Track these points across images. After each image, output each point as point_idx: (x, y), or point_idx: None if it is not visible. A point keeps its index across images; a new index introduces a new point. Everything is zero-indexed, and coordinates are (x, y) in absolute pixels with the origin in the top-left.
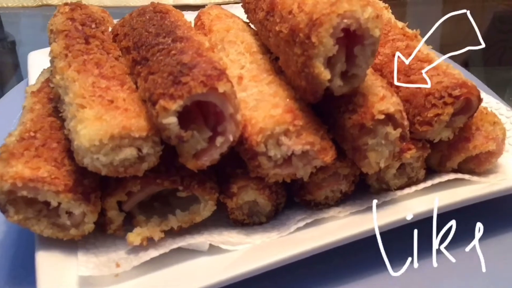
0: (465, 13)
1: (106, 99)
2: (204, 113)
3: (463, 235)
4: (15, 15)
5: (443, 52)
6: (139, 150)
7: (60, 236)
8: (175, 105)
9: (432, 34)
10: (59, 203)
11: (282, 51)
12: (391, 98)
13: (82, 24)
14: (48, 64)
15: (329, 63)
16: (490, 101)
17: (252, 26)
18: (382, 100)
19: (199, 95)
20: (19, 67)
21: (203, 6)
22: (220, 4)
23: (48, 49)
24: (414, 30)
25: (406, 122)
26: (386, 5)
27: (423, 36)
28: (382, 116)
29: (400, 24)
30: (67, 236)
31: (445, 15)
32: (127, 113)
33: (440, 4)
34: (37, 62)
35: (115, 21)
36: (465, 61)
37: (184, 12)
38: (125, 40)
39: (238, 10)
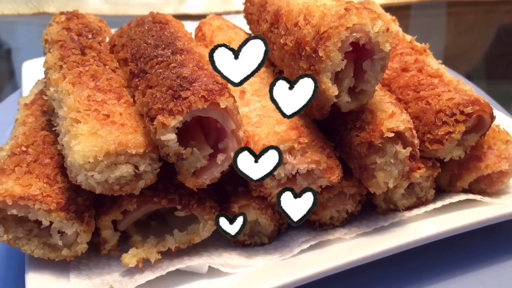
0: (470, 26)
1: (101, 114)
2: (205, 129)
3: (475, 258)
4: (11, 23)
5: (447, 64)
6: (136, 167)
7: (52, 257)
8: (174, 121)
9: (436, 46)
10: (51, 222)
11: (286, 64)
12: (400, 115)
13: (78, 34)
14: (43, 74)
15: (337, 78)
16: (501, 118)
17: None
18: (391, 117)
19: (200, 111)
20: (14, 75)
21: (203, 15)
22: (221, 14)
23: (43, 59)
24: (423, 44)
25: (416, 141)
26: (394, 17)
27: (431, 50)
28: (391, 134)
29: (408, 37)
30: (59, 257)
31: (449, 28)
32: (123, 128)
33: (444, 16)
34: (32, 71)
35: (112, 30)
36: (469, 74)
37: (184, 22)
38: (123, 51)
39: (240, 20)
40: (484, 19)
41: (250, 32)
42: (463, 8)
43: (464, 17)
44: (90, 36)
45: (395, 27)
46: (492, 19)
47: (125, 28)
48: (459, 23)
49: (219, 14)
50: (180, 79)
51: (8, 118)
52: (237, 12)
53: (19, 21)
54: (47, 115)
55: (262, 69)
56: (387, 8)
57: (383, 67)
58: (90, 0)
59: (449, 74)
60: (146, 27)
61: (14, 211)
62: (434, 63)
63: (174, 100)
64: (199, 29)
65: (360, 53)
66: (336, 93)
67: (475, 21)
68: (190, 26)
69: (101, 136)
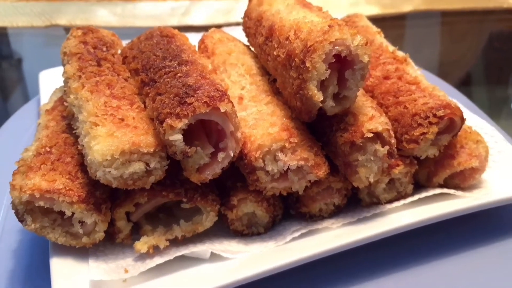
0: (463, 34)
1: (117, 118)
2: (207, 130)
3: (449, 245)
4: (22, 34)
5: (441, 70)
6: (147, 164)
7: (73, 244)
8: (181, 124)
9: (431, 53)
10: (73, 213)
11: (279, 73)
12: (379, 118)
13: (94, 47)
14: (58, 83)
15: (322, 85)
16: (476, 120)
17: (252, 48)
18: (371, 119)
19: (203, 115)
20: (25, 84)
21: (206, 26)
22: (223, 25)
23: (57, 68)
24: (404, 54)
25: (393, 140)
26: (379, 29)
27: (415, 58)
28: (371, 135)
29: (391, 48)
30: (79, 244)
31: (443, 36)
32: (136, 130)
33: (438, 25)
34: (48, 80)
35: (123, 42)
36: (462, 80)
37: (188, 33)
38: (134, 62)
39: (240, 31)
40: (476, 27)
41: (248, 44)
42: (456, 18)
43: (457, 26)
44: (104, 49)
45: (380, 38)
46: (484, 27)
47: (136, 41)
48: (453, 31)
49: (220, 26)
50: (186, 87)
51: (26, 123)
52: (238, 24)
53: (30, 32)
54: (66, 120)
55: (258, 78)
56: (383, 19)
57: (363, 76)
58: (99, 13)
59: (425, 81)
60: (155, 41)
61: (41, 203)
62: (413, 72)
63: (180, 106)
64: (201, 41)
65: (343, 64)
66: (322, 98)
67: (468, 29)
68: (194, 38)
69: (117, 137)
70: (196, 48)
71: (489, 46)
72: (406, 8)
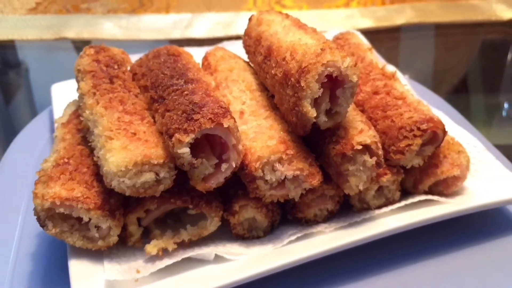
0: (457, 42)
1: (129, 132)
2: (212, 143)
3: (433, 247)
4: (29, 44)
5: (435, 79)
6: (157, 174)
7: (89, 247)
8: (188, 138)
9: (425, 61)
10: (90, 219)
11: (277, 91)
12: (368, 131)
13: (106, 65)
14: (69, 95)
15: (316, 103)
16: (460, 131)
17: (252, 64)
18: (361, 133)
19: (208, 130)
20: (32, 93)
21: (207, 39)
22: (223, 38)
23: (68, 82)
24: (399, 63)
25: (380, 152)
26: (370, 46)
27: (409, 68)
28: (360, 147)
29: (380, 64)
30: (95, 247)
31: (437, 46)
32: (147, 143)
33: (431, 36)
34: (59, 93)
35: (130, 56)
36: (456, 88)
37: (190, 48)
38: (143, 79)
39: (240, 46)
40: (468, 38)
41: (248, 60)
42: (448, 29)
43: (449, 37)
44: (116, 66)
45: (370, 55)
46: (475, 38)
47: (144, 59)
48: (445, 42)
49: (221, 38)
50: (192, 105)
51: (39, 133)
52: (238, 37)
53: (38, 43)
54: (81, 133)
55: (258, 93)
56: (377, 31)
57: (352, 94)
58: (104, 26)
59: (411, 96)
60: (162, 59)
61: (61, 210)
62: (400, 87)
63: (188, 122)
64: (205, 58)
65: (334, 83)
66: (315, 114)
67: (460, 40)
68: (195, 52)
69: (130, 150)
70: (200, 65)
71: (481, 55)
72: (399, 21)
